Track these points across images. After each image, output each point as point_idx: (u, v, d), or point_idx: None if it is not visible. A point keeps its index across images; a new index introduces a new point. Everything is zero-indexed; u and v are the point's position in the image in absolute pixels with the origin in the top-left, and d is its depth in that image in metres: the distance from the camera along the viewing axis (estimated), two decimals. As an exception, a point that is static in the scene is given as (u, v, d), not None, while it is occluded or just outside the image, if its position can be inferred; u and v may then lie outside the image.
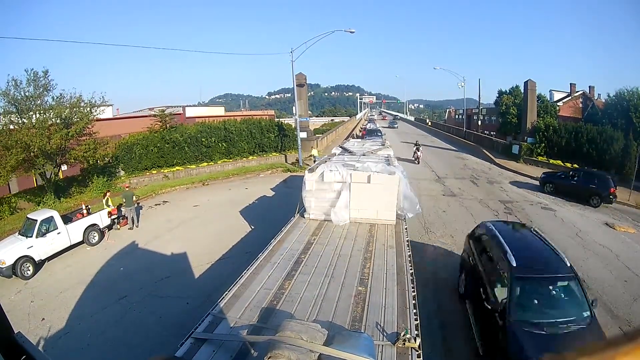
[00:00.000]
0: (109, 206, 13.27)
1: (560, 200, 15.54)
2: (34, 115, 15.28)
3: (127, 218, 13.79)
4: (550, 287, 5.66)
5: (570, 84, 36.13)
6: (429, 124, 62.13)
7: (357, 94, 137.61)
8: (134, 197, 13.83)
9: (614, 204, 14.87)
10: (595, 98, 33.66)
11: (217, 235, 12.07)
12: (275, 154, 25.78)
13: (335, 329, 3.74)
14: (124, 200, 13.46)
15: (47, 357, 1.75)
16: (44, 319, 7.84)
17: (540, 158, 23.29)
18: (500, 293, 5.70)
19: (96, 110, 17.23)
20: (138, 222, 13.82)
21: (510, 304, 5.30)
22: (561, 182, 16.58)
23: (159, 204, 16.77)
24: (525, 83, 25.82)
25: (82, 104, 16.56)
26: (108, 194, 13.62)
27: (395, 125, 59.65)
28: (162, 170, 21.57)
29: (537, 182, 17.92)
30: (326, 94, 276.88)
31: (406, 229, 7.65)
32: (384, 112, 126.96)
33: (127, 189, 14.37)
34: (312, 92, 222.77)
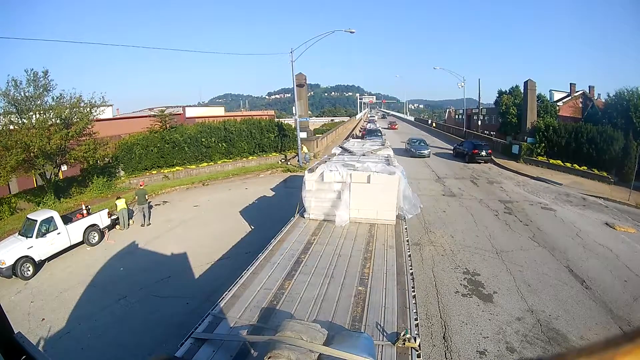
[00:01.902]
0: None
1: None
2: (33, 116, 15.29)
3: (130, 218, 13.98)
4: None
5: (570, 84, 36.12)
6: (433, 125, 54.57)
7: (357, 94, 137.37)
8: (146, 195, 14.26)
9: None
10: (595, 98, 33.64)
11: (217, 236, 12.07)
12: (275, 154, 25.80)
13: (335, 329, 3.74)
14: (137, 198, 13.96)
15: (47, 357, 1.75)
16: (44, 319, 7.84)
17: (540, 158, 23.27)
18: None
19: (96, 111, 17.25)
20: (150, 219, 14.12)
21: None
22: (456, 147, 27.47)
23: (159, 204, 16.77)
24: (525, 83, 25.80)
25: (82, 104, 16.57)
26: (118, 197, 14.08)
27: (425, 152, 26.62)
28: (162, 171, 21.58)
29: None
30: (326, 94, 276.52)
31: (406, 228, 7.66)
32: (384, 112, 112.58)
33: (141, 187, 14.87)
34: (312, 92, 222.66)
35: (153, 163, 21.79)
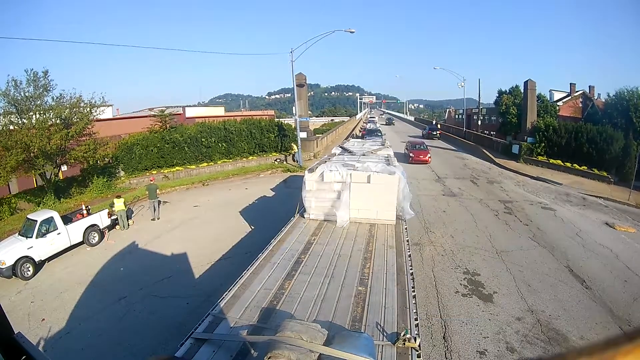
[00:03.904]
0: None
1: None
2: (34, 116, 15.29)
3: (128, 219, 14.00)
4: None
5: (570, 83, 36.03)
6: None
7: (357, 94, 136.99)
8: (157, 190, 14.65)
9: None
10: (595, 98, 33.59)
11: (217, 236, 12.07)
12: (275, 154, 25.79)
13: (335, 329, 3.74)
14: (148, 193, 14.40)
15: (47, 357, 1.76)
16: (44, 319, 7.84)
17: (540, 158, 23.25)
18: None
19: (96, 111, 17.25)
20: (159, 213, 14.62)
21: None
22: (423, 131, 41.79)
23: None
24: (525, 83, 25.78)
25: (82, 104, 16.57)
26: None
27: None
28: (162, 171, 21.57)
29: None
30: (326, 94, 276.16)
31: (406, 228, 7.66)
32: (390, 115, 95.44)
33: (152, 182, 15.20)
34: (312, 92, 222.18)
35: (153, 163, 21.77)
